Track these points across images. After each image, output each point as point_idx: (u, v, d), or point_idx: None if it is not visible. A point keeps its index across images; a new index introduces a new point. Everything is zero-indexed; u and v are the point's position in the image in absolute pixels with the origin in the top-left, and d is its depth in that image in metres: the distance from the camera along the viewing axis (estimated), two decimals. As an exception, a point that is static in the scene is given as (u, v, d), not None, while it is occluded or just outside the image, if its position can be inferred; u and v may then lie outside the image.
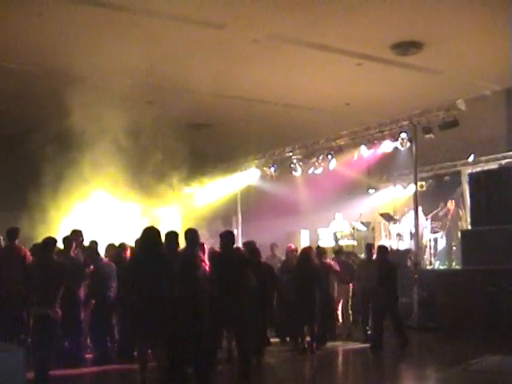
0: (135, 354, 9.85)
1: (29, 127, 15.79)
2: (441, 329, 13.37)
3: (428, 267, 17.02)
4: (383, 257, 12.48)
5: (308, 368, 11.38)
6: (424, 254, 17.44)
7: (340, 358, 12.35)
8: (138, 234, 9.39)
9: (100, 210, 15.60)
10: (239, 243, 19.58)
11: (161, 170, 15.63)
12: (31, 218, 14.05)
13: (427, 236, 17.82)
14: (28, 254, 11.02)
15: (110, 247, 11.73)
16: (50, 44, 12.69)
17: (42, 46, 12.79)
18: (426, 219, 17.83)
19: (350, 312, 13.70)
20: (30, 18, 11.55)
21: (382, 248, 12.98)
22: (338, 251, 14.41)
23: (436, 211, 18.23)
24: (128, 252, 11.27)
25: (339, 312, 13.72)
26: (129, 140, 14.42)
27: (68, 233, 11.52)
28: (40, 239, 10.25)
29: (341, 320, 13.79)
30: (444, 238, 17.77)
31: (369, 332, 12.85)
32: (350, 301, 13.74)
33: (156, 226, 9.05)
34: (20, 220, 13.32)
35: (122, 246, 11.45)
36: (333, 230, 19.15)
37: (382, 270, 12.14)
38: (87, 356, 10.92)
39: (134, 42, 12.46)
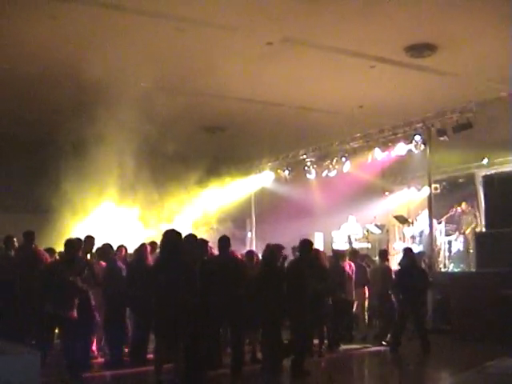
0: (148, 356, 9.90)
1: (46, 133, 15.92)
2: (455, 331, 13.33)
3: (442, 270, 16.97)
4: (410, 260, 12.49)
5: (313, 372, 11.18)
6: (438, 257, 17.39)
7: (351, 361, 12.24)
8: (153, 236, 9.42)
9: (115, 212, 15.69)
10: (253, 246, 19.74)
11: (175, 172, 15.68)
12: (46, 221, 14.18)
13: (441, 239, 17.77)
14: (46, 255, 11.11)
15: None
16: (64, 48, 12.76)
17: (57, 49, 12.85)
18: (439, 222, 17.77)
19: (366, 315, 13.70)
20: (44, 22, 11.63)
21: (408, 251, 12.95)
22: (354, 253, 14.37)
23: (450, 214, 18.18)
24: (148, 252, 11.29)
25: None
26: (143, 143, 14.49)
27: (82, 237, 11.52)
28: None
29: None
30: (458, 240, 17.70)
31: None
32: (365, 304, 13.73)
33: (176, 229, 9.03)
34: (33, 223, 13.42)
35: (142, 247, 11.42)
36: (346, 232, 19.13)
37: (410, 274, 12.16)
38: (100, 360, 10.90)
39: (147, 45, 12.51)
